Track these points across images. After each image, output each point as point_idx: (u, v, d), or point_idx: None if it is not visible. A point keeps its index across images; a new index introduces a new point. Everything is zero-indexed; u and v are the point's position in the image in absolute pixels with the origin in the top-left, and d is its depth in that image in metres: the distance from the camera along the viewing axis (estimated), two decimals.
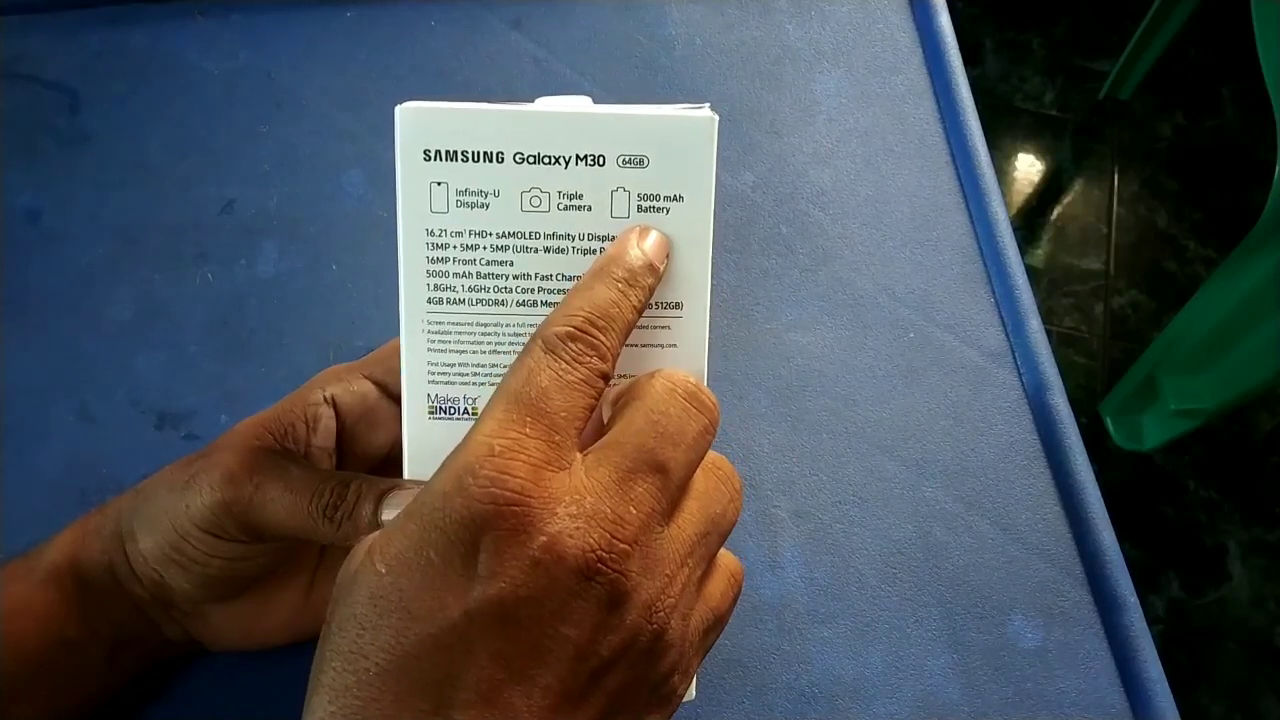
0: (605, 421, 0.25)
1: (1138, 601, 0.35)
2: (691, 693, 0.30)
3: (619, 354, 0.24)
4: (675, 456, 0.23)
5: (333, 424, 0.29)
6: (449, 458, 0.22)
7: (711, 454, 0.25)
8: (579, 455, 0.23)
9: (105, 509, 0.29)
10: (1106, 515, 0.36)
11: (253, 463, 0.27)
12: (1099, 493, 0.37)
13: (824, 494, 0.37)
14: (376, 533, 0.22)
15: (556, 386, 0.22)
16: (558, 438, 0.22)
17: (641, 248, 0.25)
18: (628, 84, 0.45)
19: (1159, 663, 0.34)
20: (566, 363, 0.22)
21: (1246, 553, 1.16)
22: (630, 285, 0.24)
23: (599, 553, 0.21)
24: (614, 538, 0.21)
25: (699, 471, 0.25)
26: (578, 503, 0.21)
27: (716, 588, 0.25)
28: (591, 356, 0.23)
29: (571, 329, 0.23)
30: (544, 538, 0.20)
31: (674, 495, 0.23)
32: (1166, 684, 0.33)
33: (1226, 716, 1.08)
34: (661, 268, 0.25)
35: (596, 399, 0.23)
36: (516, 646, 0.20)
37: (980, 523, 0.36)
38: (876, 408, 0.38)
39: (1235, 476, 1.20)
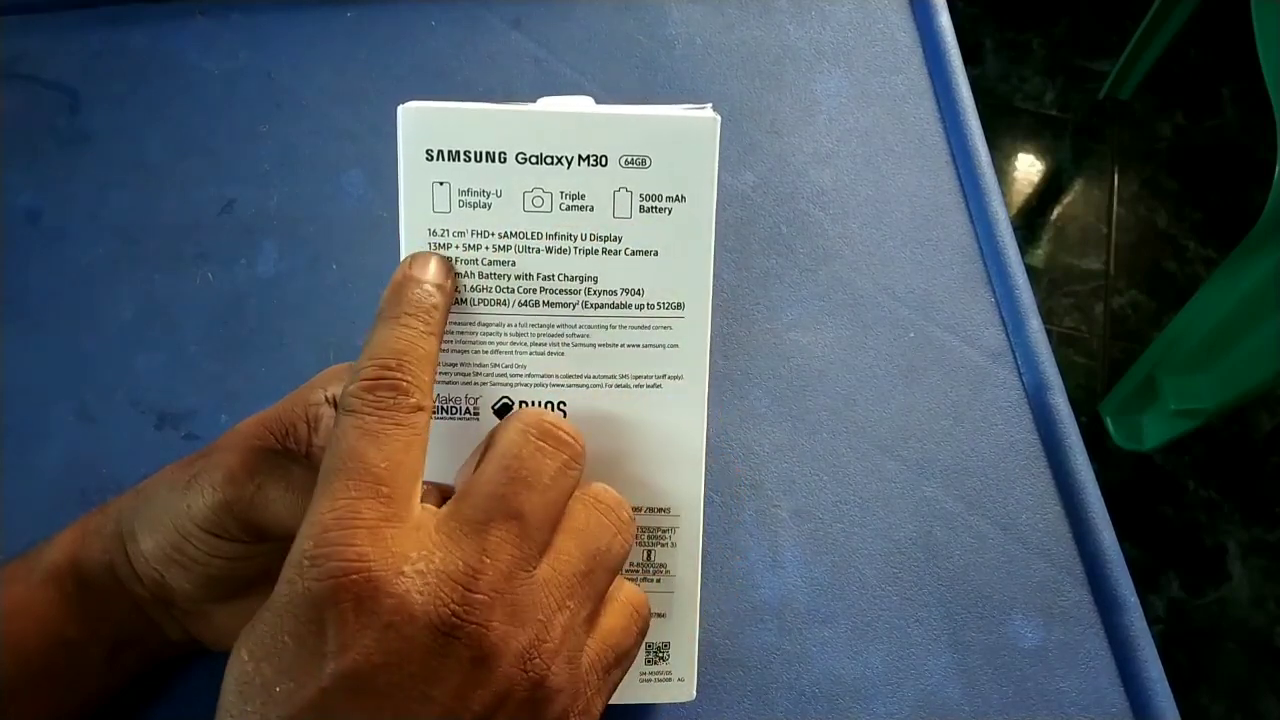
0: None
1: (1138, 601, 0.35)
2: (691, 693, 0.30)
3: (430, 385, 0.23)
4: (531, 499, 0.22)
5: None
6: (293, 545, 0.21)
7: (595, 486, 0.25)
8: (425, 506, 0.22)
9: (106, 509, 0.29)
10: (1106, 515, 0.36)
11: (254, 463, 0.27)
12: (1099, 493, 0.37)
13: (824, 494, 0.37)
14: (245, 626, 0.21)
15: (368, 442, 0.22)
16: (387, 490, 0.21)
17: (413, 276, 0.24)
18: (628, 84, 0.45)
19: (1159, 663, 0.34)
20: (371, 414, 0.22)
21: (1246, 553, 1.16)
22: (413, 315, 0.24)
23: (453, 607, 0.20)
24: (468, 590, 0.21)
25: (578, 506, 0.24)
26: (425, 559, 0.21)
27: (615, 622, 0.24)
28: (394, 398, 0.22)
29: (365, 380, 0.22)
30: (391, 599, 0.20)
31: (537, 539, 0.23)
32: (1166, 684, 0.33)
33: (1226, 716, 1.08)
34: (447, 282, 0.25)
35: (419, 435, 0.23)
36: (381, 716, 0.20)
37: (980, 522, 0.36)
38: (877, 407, 0.38)
39: (1235, 476, 1.20)
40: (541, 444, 0.23)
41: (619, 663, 0.25)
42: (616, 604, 0.25)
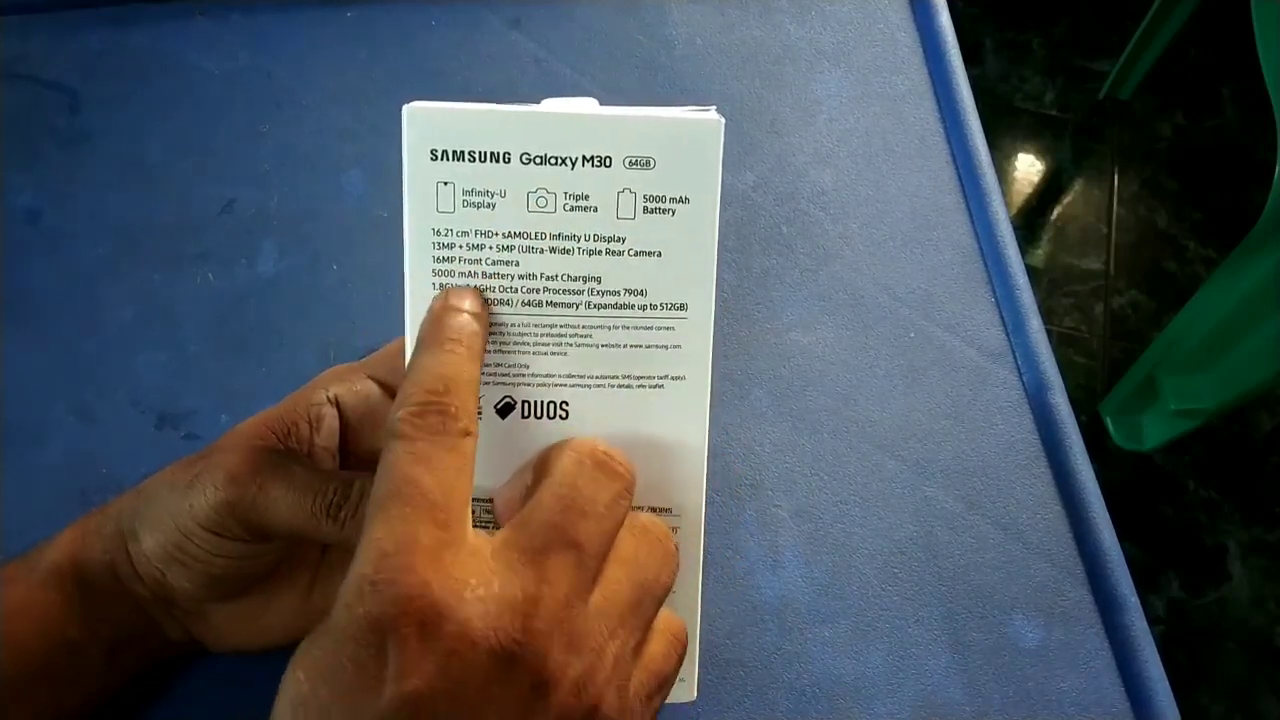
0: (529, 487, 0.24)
1: (1138, 601, 0.35)
2: (692, 693, 0.30)
3: (474, 411, 0.23)
4: (587, 528, 0.22)
5: (336, 424, 0.29)
6: (350, 570, 0.21)
7: (643, 517, 0.25)
8: (481, 534, 0.22)
9: (106, 509, 0.29)
10: (1107, 515, 0.36)
11: (256, 462, 0.27)
12: (1099, 493, 0.37)
13: (824, 493, 0.37)
14: (299, 647, 0.21)
15: (421, 468, 0.22)
16: (442, 515, 0.21)
17: (451, 306, 0.25)
18: (628, 84, 0.45)
19: (1159, 663, 0.34)
20: (422, 440, 0.22)
21: (1246, 553, 1.16)
22: (455, 342, 0.24)
23: (514, 635, 0.20)
24: (529, 617, 0.21)
25: (627, 536, 0.24)
26: (486, 584, 0.21)
27: (658, 650, 0.24)
28: (444, 420, 0.22)
29: (414, 406, 0.22)
30: (454, 625, 0.20)
31: (591, 568, 0.23)
32: (1167, 684, 0.34)
33: (1226, 716, 1.08)
34: (484, 312, 0.25)
35: (469, 461, 0.23)
36: None
37: (980, 522, 0.36)
38: (877, 407, 0.38)
39: (1235, 476, 1.20)
40: (596, 474, 0.24)
41: (660, 690, 0.25)
42: (659, 632, 0.25)
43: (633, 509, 0.25)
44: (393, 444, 0.22)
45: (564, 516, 0.22)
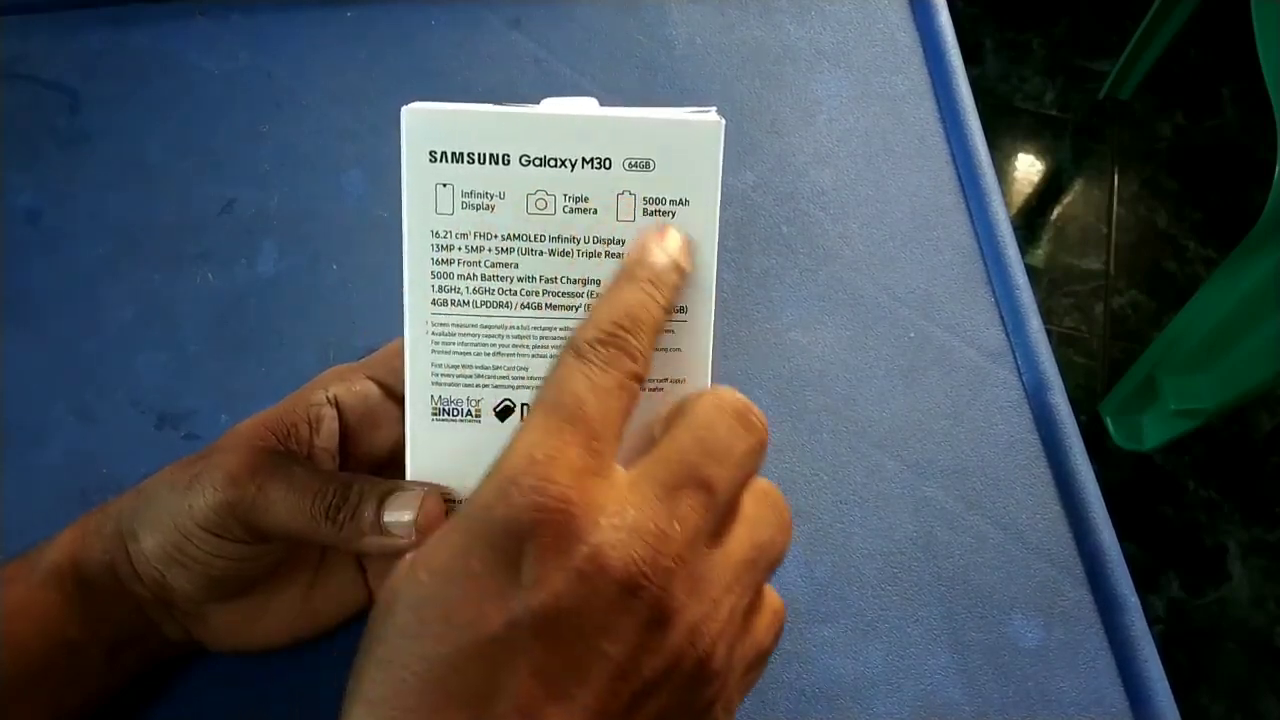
0: (656, 437, 0.24)
1: (1138, 601, 0.35)
2: None
3: (650, 356, 0.24)
4: (721, 474, 0.22)
5: (335, 425, 0.29)
6: (491, 468, 0.21)
7: (762, 481, 0.25)
8: (620, 468, 0.22)
9: (106, 509, 0.29)
10: (1106, 515, 0.36)
11: (255, 463, 0.27)
12: (1099, 493, 0.37)
13: (824, 493, 0.37)
14: (423, 545, 0.21)
15: (591, 392, 0.22)
16: (597, 444, 0.21)
17: (664, 247, 0.25)
18: (628, 84, 0.45)
19: (1159, 663, 0.34)
20: (598, 367, 0.22)
21: (1246, 553, 1.16)
22: (655, 285, 0.24)
23: (642, 566, 0.20)
24: (658, 552, 0.21)
25: (748, 496, 0.24)
26: (621, 514, 0.21)
27: (763, 622, 0.24)
28: (622, 359, 0.22)
29: (601, 333, 0.23)
30: (587, 548, 0.20)
31: (720, 515, 0.23)
32: (1166, 684, 0.34)
33: (1226, 716, 1.08)
34: (686, 265, 0.25)
35: (633, 402, 0.23)
36: (557, 662, 0.20)
37: (980, 522, 0.36)
38: (877, 407, 0.38)
39: (1235, 476, 1.20)
40: (734, 423, 0.23)
41: (758, 664, 0.25)
42: (765, 604, 0.25)
43: (789, 506, 0.25)
44: (570, 359, 0.22)
45: (701, 457, 0.22)
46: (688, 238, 0.25)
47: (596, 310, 0.23)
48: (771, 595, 0.25)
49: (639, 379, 0.23)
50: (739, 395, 0.24)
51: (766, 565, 0.24)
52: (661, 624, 0.21)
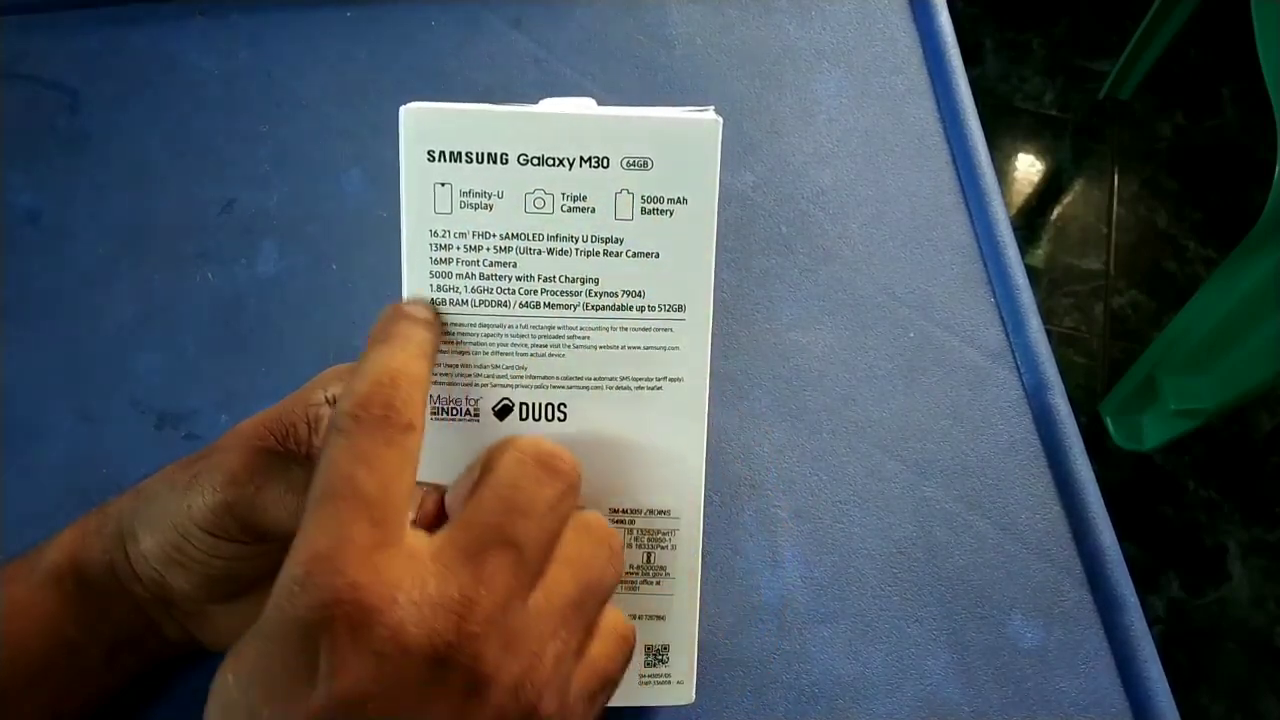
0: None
1: (1138, 601, 0.35)
2: (691, 695, 0.30)
3: (421, 407, 0.23)
4: (527, 528, 0.22)
5: None
6: (281, 570, 0.21)
7: (584, 515, 0.25)
8: (420, 533, 0.22)
9: (106, 509, 0.29)
10: (1106, 515, 0.36)
11: (254, 463, 0.27)
12: (1099, 493, 0.37)
13: (824, 493, 0.37)
14: (234, 647, 0.21)
15: (360, 465, 0.21)
16: (379, 514, 0.21)
17: (393, 309, 0.25)
18: (628, 84, 0.45)
19: (1159, 663, 0.34)
20: (362, 437, 0.22)
21: (1246, 553, 1.16)
22: (404, 338, 0.24)
23: (447, 638, 0.20)
24: (463, 619, 0.20)
25: (570, 534, 0.24)
26: (420, 587, 0.20)
27: (602, 650, 0.24)
28: (386, 419, 0.22)
29: (355, 401, 0.22)
30: (385, 630, 0.19)
31: (532, 568, 0.22)
32: (1166, 684, 0.33)
33: (1226, 716, 1.08)
34: (432, 316, 0.25)
35: (411, 458, 0.22)
36: None
37: (980, 523, 0.36)
38: (877, 407, 0.38)
39: (1235, 476, 1.20)
40: (539, 472, 0.23)
41: (604, 689, 0.25)
42: (605, 631, 0.25)
43: (618, 534, 0.25)
44: (334, 439, 0.22)
45: (504, 516, 0.22)
46: (424, 303, 0.26)
47: (348, 384, 0.23)
48: (613, 619, 0.25)
49: (412, 429, 0.22)
50: (541, 443, 0.24)
51: (597, 601, 0.24)
52: (477, 690, 0.20)
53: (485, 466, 0.24)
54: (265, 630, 0.20)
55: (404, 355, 0.23)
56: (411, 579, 0.20)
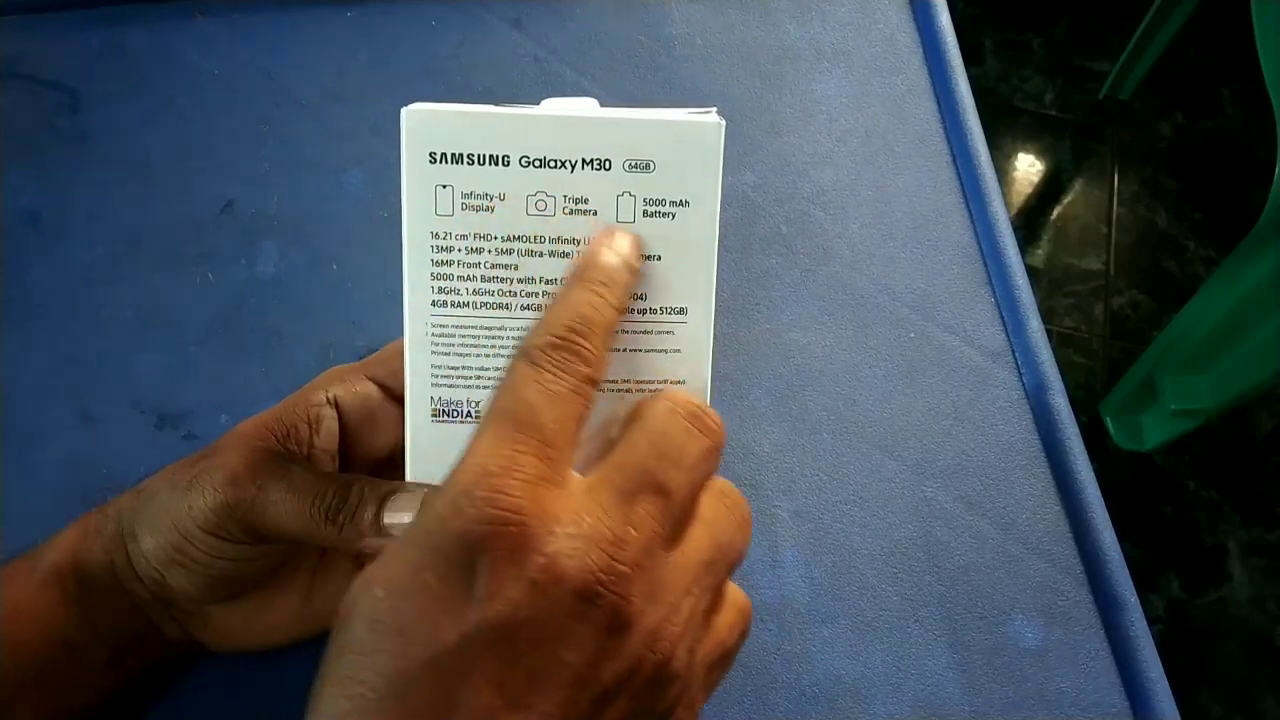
0: (614, 439, 0.24)
1: (1138, 601, 0.35)
2: None
3: (604, 357, 0.23)
4: (677, 478, 0.23)
5: (335, 425, 0.29)
6: (444, 481, 0.21)
7: (720, 480, 0.25)
8: (576, 475, 0.22)
9: (106, 509, 0.29)
10: (1106, 515, 0.36)
11: (255, 464, 0.27)
12: (1099, 493, 0.37)
13: (824, 494, 0.37)
14: (378, 559, 0.21)
15: (544, 399, 0.22)
16: (551, 452, 0.21)
17: (613, 248, 0.24)
18: (628, 84, 0.45)
19: (1159, 663, 0.34)
20: (551, 373, 0.22)
21: (1246, 553, 1.16)
22: (605, 286, 0.24)
23: (598, 574, 0.20)
24: (614, 559, 0.21)
25: (706, 497, 0.24)
26: (576, 522, 0.21)
27: (725, 620, 0.24)
28: (575, 363, 0.22)
29: (552, 338, 0.22)
30: (542, 558, 0.20)
31: (677, 518, 0.23)
32: (1166, 684, 0.34)
33: (1226, 716, 1.08)
34: (635, 264, 0.25)
35: (587, 406, 0.23)
36: (515, 672, 0.20)
37: (980, 523, 0.36)
38: (877, 407, 0.38)
39: (1235, 476, 1.20)
40: (689, 425, 0.23)
41: (723, 662, 0.25)
42: (729, 604, 0.25)
43: (748, 505, 0.25)
44: (522, 365, 0.22)
45: (657, 462, 0.22)
46: (635, 236, 0.25)
47: (548, 314, 0.23)
48: (735, 593, 0.25)
49: (593, 382, 0.23)
50: (693, 398, 0.24)
51: (726, 565, 0.24)
52: (620, 630, 0.21)
53: (637, 414, 0.24)
54: (419, 540, 0.20)
55: (600, 302, 0.23)
56: (570, 514, 0.21)
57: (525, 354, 0.23)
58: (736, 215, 0.42)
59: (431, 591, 0.20)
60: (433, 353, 0.26)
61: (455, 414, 0.27)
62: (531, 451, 0.21)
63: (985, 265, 0.41)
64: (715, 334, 0.26)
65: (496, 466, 0.21)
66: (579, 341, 0.23)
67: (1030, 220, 1.37)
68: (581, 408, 0.23)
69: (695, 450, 0.23)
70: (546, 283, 0.26)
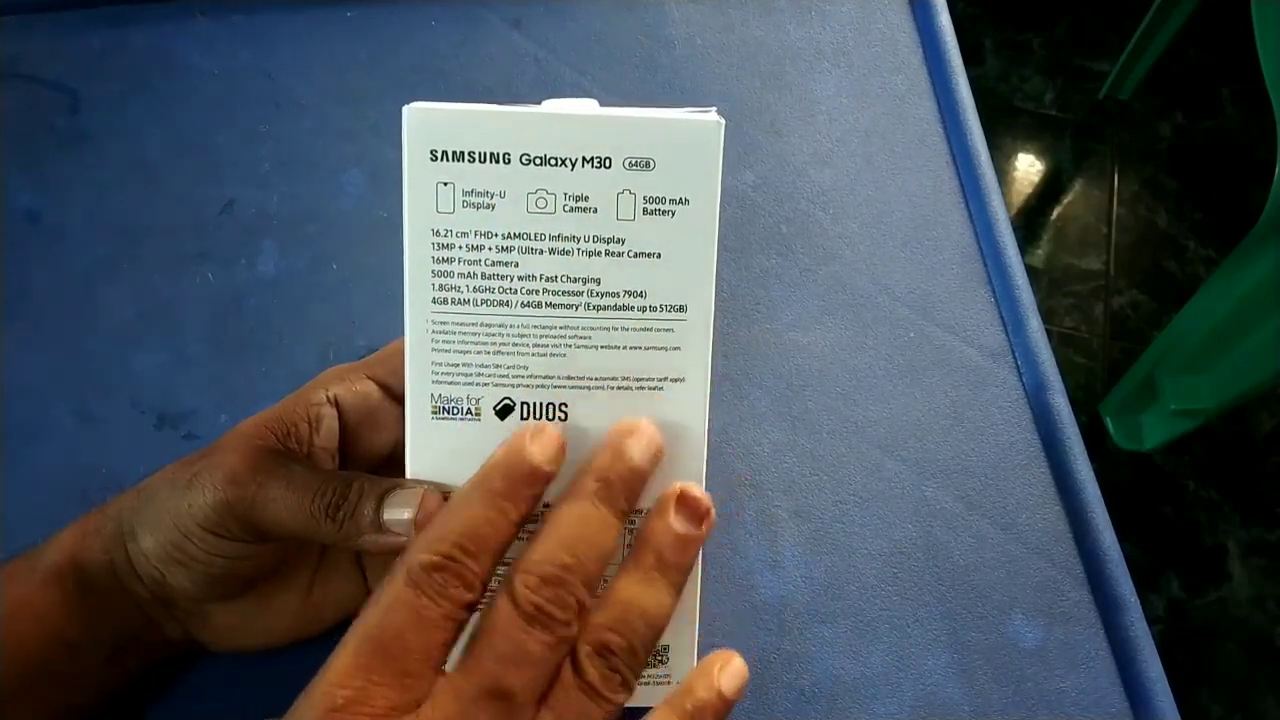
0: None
1: (1138, 601, 0.35)
2: None
3: (490, 575, 0.23)
4: (519, 678, 0.22)
5: (335, 424, 0.29)
6: (295, 706, 0.21)
7: (587, 668, 0.24)
8: (442, 675, 0.22)
9: (106, 508, 0.29)
10: (1106, 515, 0.36)
11: (255, 462, 0.27)
12: (1099, 493, 0.37)
13: (824, 494, 0.37)
14: None
15: (414, 626, 0.22)
16: (409, 680, 0.21)
17: (530, 450, 0.24)
18: (628, 84, 0.45)
19: (1159, 663, 0.34)
20: (429, 598, 0.22)
21: (1246, 553, 1.16)
22: (508, 499, 0.24)
23: None
24: None
25: (568, 676, 0.24)
26: None
27: None
28: (456, 588, 0.22)
29: (437, 557, 0.22)
30: None
31: (522, 716, 0.23)
32: (1166, 684, 0.34)
33: (1226, 716, 1.08)
34: (553, 470, 0.24)
35: (457, 631, 0.23)
36: None
37: (980, 522, 0.36)
38: (876, 407, 0.38)
39: (1235, 476, 1.20)
40: (528, 625, 0.23)
41: None
42: None
43: (614, 679, 0.25)
44: (400, 587, 0.22)
45: (498, 664, 0.22)
46: (558, 436, 0.25)
47: (437, 523, 0.23)
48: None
49: (471, 607, 0.23)
50: (532, 596, 0.23)
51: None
52: None
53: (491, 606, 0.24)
54: None
55: (500, 521, 0.23)
56: None
57: (406, 569, 0.22)
58: (736, 215, 0.42)
59: None
60: (433, 350, 0.26)
61: (455, 411, 0.27)
62: (387, 683, 0.21)
63: (985, 265, 0.41)
64: (715, 334, 0.26)
65: (344, 699, 0.21)
66: (465, 563, 0.22)
67: (1030, 220, 1.37)
68: (451, 634, 0.22)
69: (538, 651, 0.23)
70: (547, 280, 0.26)
